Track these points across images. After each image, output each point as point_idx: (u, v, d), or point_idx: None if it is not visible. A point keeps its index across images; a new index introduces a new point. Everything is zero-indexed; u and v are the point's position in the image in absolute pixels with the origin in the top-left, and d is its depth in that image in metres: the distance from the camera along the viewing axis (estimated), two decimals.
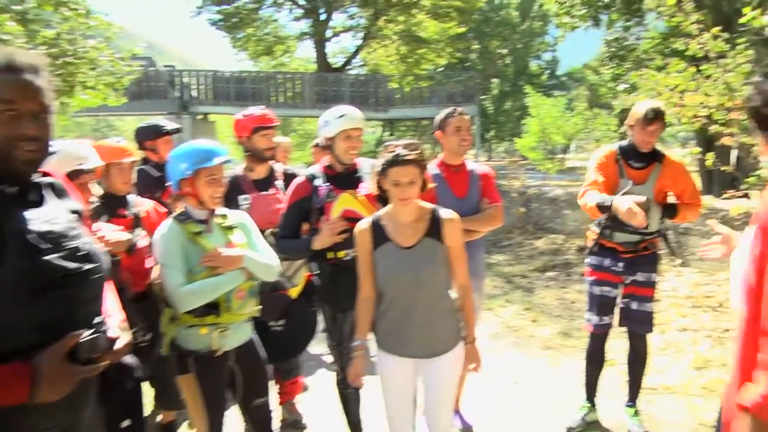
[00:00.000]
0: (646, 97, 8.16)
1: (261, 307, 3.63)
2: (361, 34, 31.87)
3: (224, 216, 3.41)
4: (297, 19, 30.87)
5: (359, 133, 4.00)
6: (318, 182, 3.97)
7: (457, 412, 4.70)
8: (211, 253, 3.15)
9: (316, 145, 6.21)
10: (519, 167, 17.32)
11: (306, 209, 3.95)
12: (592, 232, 4.49)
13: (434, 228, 3.20)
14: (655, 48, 19.19)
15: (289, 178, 4.48)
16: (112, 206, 3.96)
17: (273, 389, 4.75)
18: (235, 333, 3.28)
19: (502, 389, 5.31)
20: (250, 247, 3.38)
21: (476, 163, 4.60)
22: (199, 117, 26.27)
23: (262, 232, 4.10)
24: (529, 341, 6.75)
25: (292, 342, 4.31)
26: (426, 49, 31.52)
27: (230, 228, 3.39)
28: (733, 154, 11.83)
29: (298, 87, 26.49)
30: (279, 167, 4.65)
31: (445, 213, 3.24)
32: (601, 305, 4.50)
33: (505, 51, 50.18)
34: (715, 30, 7.58)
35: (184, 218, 3.25)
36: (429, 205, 3.28)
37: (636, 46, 22.02)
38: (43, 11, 9.29)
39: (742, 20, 6.70)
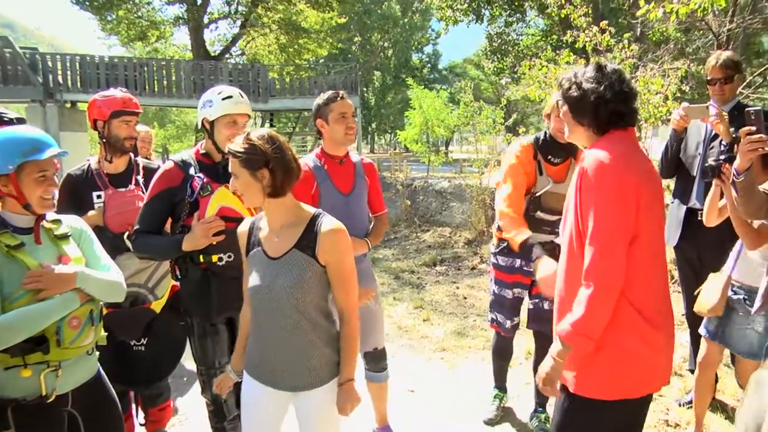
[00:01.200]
0: (537, 89, 8.14)
1: (118, 324, 3.06)
2: (239, 22, 30.94)
3: (56, 222, 2.74)
4: (171, 2, 29.53)
5: (245, 120, 3.45)
6: (191, 171, 3.37)
7: (386, 427, 4.29)
8: (33, 273, 2.48)
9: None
10: (402, 159, 17.18)
11: (173, 201, 3.34)
12: (498, 232, 4.20)
13: (307, 239, 2.61)
14: (535, 43, 19.66)
15: (149, 173, 3.88)
16: None
17: (137, 419, 4.18)
18: (73, 371, 2.63)
19: (399, 399, 4.87)
20: (88, 261, 2.76)
21: (358, 154, 4.10)
22: (67, 105, 24.45)
23: (119, 236, 3.55)
24: (423, 343, 6.40)
25: (156, 364, 3.72)
26: (306, 39, 30.94)
27: (63, 237, 2.72)
28: None
29: (174, 75, 25.25)
30: (139, 160, 4.03)
31: (328, 223, 2.63)
32: (512, 307, 4.29)
33: (386, 44, 50.42)
34: (603, 24, 7.64)
35: None
36: (311, 210, 2.71)
37: (518, 41, 22.45)
38: None
39: (638, 13, 6.68)
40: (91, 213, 3.61)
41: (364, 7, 44.85)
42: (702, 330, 3.87)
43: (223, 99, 3.39)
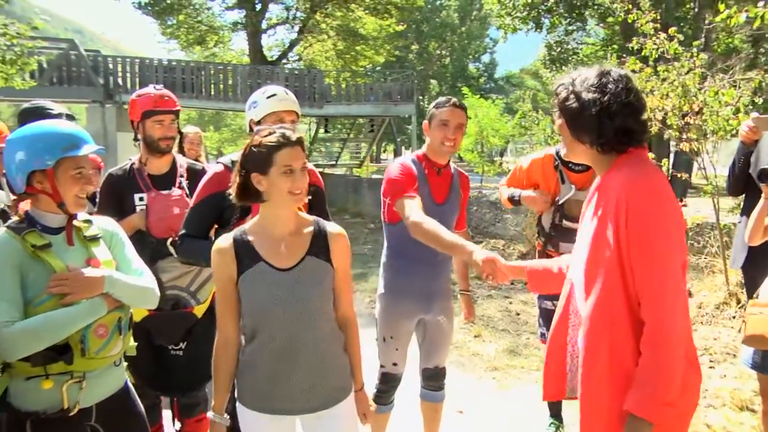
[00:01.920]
0: None
1: (158, 328, 2.87)
2: (297, 28, 31.09)
3: (87, 223, 2.55)
4: (230, 8, 29.85)
5: (293, 118, 3.25)
6: None
7: None
8: (59, 276, 2.28)
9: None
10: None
11: (222, 206, 3.11)
12: (539, 243, 4.15)
13: (319, 244, 2.47)
14: (595, 53, 19.21)
15: (193, 174, 3.70)
16: None
17: (174, 428, 3.98)
18: (97, 383, 2.43)
19: (447, 419, 4.57)
20: (119, 265, 2.56)
21: (455, 166, 3.79)
22: (125, 106, 24.86)
23: (162, 241, 3.34)
24: (473, 361, 6.09)
25: (195, 370, 3.51)
26: (364, 45, 30.97)
27: (93, 239, 2.53)
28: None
29: (231, 79, 25.44)
30: (183, 161, 3.83)
31: (332, 226, 2.55)
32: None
33: (443, 52, 50.22)
34: (672, 30, 7.24)
35: (24, 228, 2.35)
36: (307, 215, 2.57)
37: (577, 50, 21.98)
38: None
39: (717, 18, 6.29)
40: (133, 216, 3.43)
41: (422, 15, 44.77)
42: (747, 361, 3.44)
43: (268, 97, 3.23)
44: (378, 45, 31.41)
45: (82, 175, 2.39)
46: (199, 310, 3.54)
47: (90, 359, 2.34)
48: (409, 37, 44.06)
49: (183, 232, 3.18)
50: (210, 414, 2.50)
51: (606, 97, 2.05)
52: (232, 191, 2.43)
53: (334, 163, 29.57)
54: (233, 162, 3.20)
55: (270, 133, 2.35)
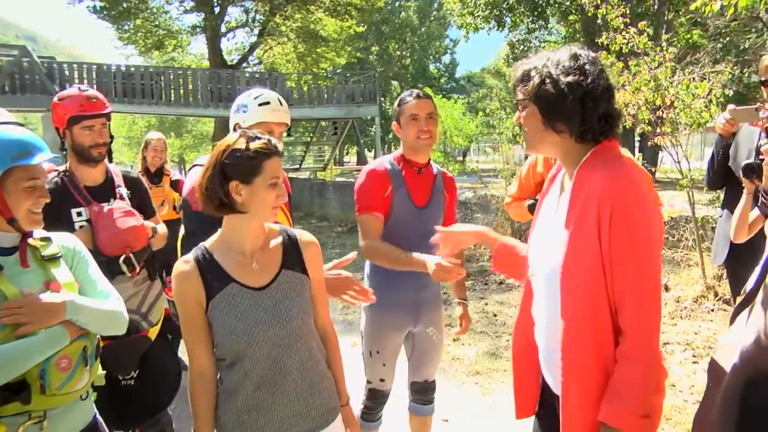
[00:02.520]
0: None
1: (114, 359, 2.70)
2: (257, 31, 30.76)
3: (45, 241, 2.28)
4: (188, 11, 29.39)
5: (282, 130, 3.05)
6: None
7: None
8: (12, 303, 2.02)
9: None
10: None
11: None
12: None
13: (292, 255, 2.27)
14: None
15: (132, 183, 3.46)
16: None
17: None
18: (62, 421, 2.16)
19: (432, 429, 4.43)
20: (83, 287, 2.30)
21: (439, 166, 3.60)
22: None
23: (114, 259, 3.10)
24: (454, 366, 5.91)
25: (152, 398, 3.29)
26: (325, 47, 30.70)
27: (53, 259, 2.25)
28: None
29: (191, 84, 25.03)
30: (116, 169, 3.50)
31: (301, 233, 2.36)
32: None
33: (404, 53, 50.26)
34: (642, 24, 7.24)
35: None
36: (274, 224, 2.33)
37: (540, 48, 22.09)
38: None
39: (692, 6, 6.27)
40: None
41: (382, 16, 44.69)
42: None
43: (260, 105, 2.97)
44: (339, 47, 31.20)
45: (35, 187, 2.12)
46: (152, 333, 3.32)
47: (51, 396, 2.07)
48: (370, 39, 43.92)
49: (189, 239, 2.91)
50: None
51: (588, 80, 1.87)
52: (201, 200, 2.14)
53: (297, 167, 29.34)
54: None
55: (255, 138, 2.11)
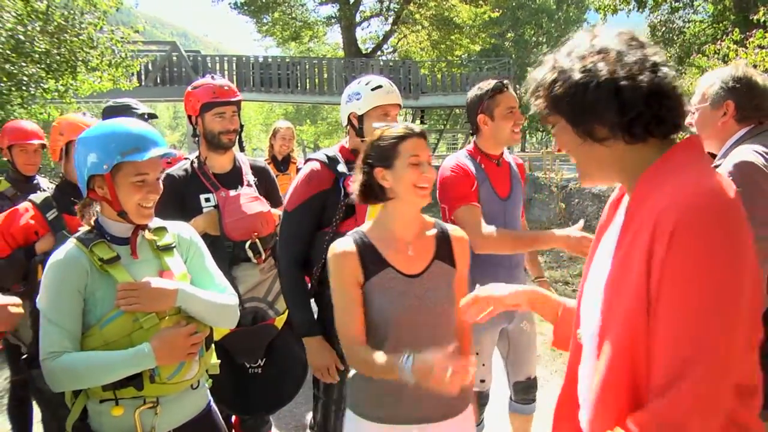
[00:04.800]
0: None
1: (240, 345, 2.69)
2: (391, 19, 30.96)
3: (160, 231, 2.35)
4: (324, 2, 30.04)
5: (396, 112, 3.06)
6: (340, 169, 2.98)
7: None
8: (126, 286, 2.09)
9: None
10: (555, 159, 16.38)
11: (324, 206, 2.96)
12: None
13: (444, 247, 2.32)
14: (704, 30, 18.14)
15: (259, 172, 3.51)
16: (68, 199, 2.97)
17: None
18: (175, 408, 2.25)
19: None
20: (197, 278, 2.35)
21: (510, 153, 3.51)
22: None
23: (240, 244, 3.15)
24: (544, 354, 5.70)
25: (278, 387, 3.33)
26: (459, 34, 30.44)
27: (167, 249, 2.32)
28: None
29: (326, 73, 25.62)
30: (244, 158, 3.57)
31: (453, 229, 2.41)
32: None
33: (540, 39, 49.14)
34: None
35: (93, 239, 2.17)
36: (428, 217, 2.40)
37: (683, 29, 20.81)
38: None
39: None
40: (198, 218, 3.17)
41: (517, 1, 43.88)
42: None
43: (373, 89, 3.00)
44: (473, 33, 30.86)
45: (145, 182, 2.16)
46: (279, 322, 3.34)
47: (161, 384, 2.16)
48: (505, 24, 43.23)
49: (288, 247, 3.00)
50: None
51: (613, 55, 1.39)
52: (353, 190, 2.26)
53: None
54: (329, 158, 3.02)
55: (388, 126, 2.20)
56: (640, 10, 21.28)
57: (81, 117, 3.22)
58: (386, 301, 2.19)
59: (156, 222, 2.35)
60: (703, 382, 1.21)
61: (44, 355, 2.02)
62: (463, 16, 30.04)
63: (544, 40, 49.32)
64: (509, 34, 46.84)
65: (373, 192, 2.21)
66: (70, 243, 2.18)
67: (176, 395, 2.24)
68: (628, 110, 1.36)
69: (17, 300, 2.15)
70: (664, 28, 22.41)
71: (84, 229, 2.25)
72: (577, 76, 1.39)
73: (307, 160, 3.22)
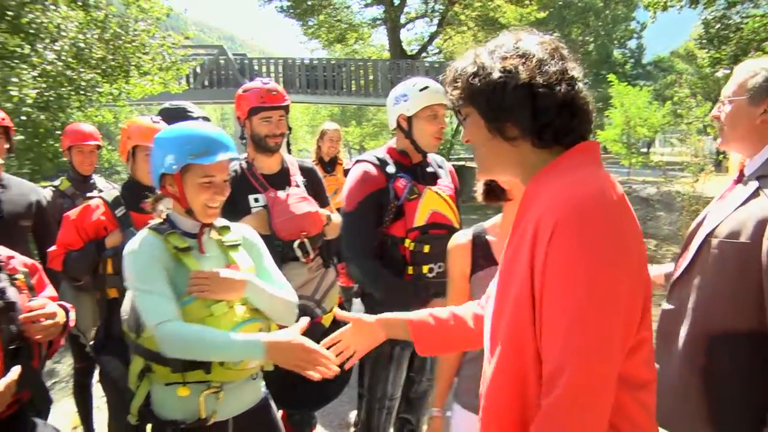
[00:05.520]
0: None
1: None
2: (436, 21, 30.90)
3: (225, 229, 2.48)
4: (369, 4, 30.13)
5: (444, 112, 3.09)
6: (389, 170, 3.04)
7: None
8: (198, 273, 2.22)
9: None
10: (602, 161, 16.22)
11: (380, 205, 3.02)
12: None
13: None
14: (763, 26, 17.61)
15: (307, 172, 3.58)
16: (135, 197, 3.15)
17: None
18: (235, 396, 2.36)
19: None
20: (259, 276, 2.45)
21: None
22: None
23: (289, 243, 3.24)
24: None
25: (326, 385, 3.41)
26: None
27: (233, 246, 2.45)
28: None
29: (371, 74, 25.75)
30: (291, 158, 3.65)
31: None
32: None
33: (587, 38, 48.55)
34: None
35: (166, 229, 2.31)
36: None
37: (741, 25, 20.25)
38: None
39: None
40: (247, 218, 3.25)
41: (563, 1, 43.44)
42: None
43: (420, 90, 3.05)
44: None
45: (212, 183, 2.27)
46: (326, 320, 3.40)
47: (228, 370, 2.26)
48: (551, 24, 42.85)
49: (358, 247, 3.06)
50: (434, 410, 2.48)
51: (534, 61, 1.44)
52: (481, 193, 2.30)
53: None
54: (379, 159, 3.08)
55: None
56: (693, 6, 20.78)
57: (148, 121, 3.36)
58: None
59: (220, 221, 2.47)
60: (580, 374, 1.26)
61: (154, 323, 2.10)
62: (509, 16, 29.83)
63: (592, 39, 48.72)
64: (555, 34, 46.28)
65: (495, 192, 2.26)
66: (145, 232, 2.32)
67: (238, 383, 2.35)
68: (541, 116, 1.42)
69: (51, 310, 2.21)
70: (719, 25, 21.85)
71: (154, 221, 2.38)
72: (496, 75, 1.43)
73: (356, 162, 3.29)
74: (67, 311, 2.32)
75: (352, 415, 4.52)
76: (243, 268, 2.40)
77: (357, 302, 3.28)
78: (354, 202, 3.06)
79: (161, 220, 2.37)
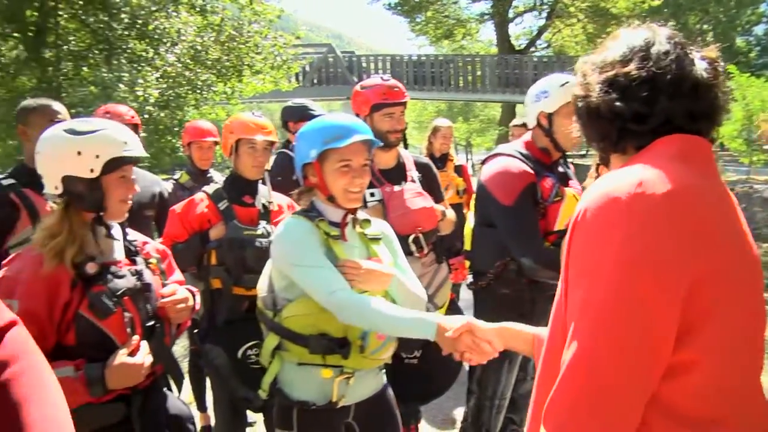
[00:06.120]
0: None
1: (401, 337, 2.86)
2: (545, 14, 30.34)
3: (367, 223, 2.55)
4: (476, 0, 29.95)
5: None
6: (536, 167, 3.06)
7: None
8: (351, 262, 2.31)
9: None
10: (717, 159, 15.49)
11: (534, 200, 3.03)
12: None
13: None
14: None
15: (422, 168, 3.60)
16: (237, 191, 3.32)
17: None
18: (361, 383, 2.43)
19: None
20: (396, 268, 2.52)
21: None
22: None
23: (404, 238, 3.25)
24: None
25: (433, 379, 3.42)
26: (616, 26, 29.08)
27: (375, 239, 2.52)
28: None
29: (479, 70, 25.59)
30: (406, 154, 3.67)
31: None
32: None
33: (705, 26, 46.33)
34: None
35: (315, 216, 2.40)
36: None
37: None
38: (214, 1, 9.54)
39: None
40: (363, 212, 3.33)
41: None
42: None
43: (561, 86, 3.03)
44: (632, 24, 29.65)
45: (349, 167, 2.33)
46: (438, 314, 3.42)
47: (364, 358, 2.33)
48: (666, 12, 41.21)
49: (519, 233, 3.05)
50: None
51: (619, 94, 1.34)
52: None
53: (584, 153, 28.62)
54: (522, 154, 3.09)
55: None
56: None
57: (250, 116, 3.44)
58: None
59: (361, 214, 2.54)
60: (588, 379, 1.17)
61: (328, 294, 2.20)
62: (621, 5, 28.90)
63: (710, 27, 46.49)
64: (671, 22, 44.46)
65: None
66: (294, 217, 2.43)
67: (366, 371, 2.43)
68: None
69: (183, 295, 2.42)
70: None
71: (301, 208, 2.49)
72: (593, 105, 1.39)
73: (494, 155, 3.30)
74: (193, 295, 2.50)
75: (456, 412, 4.53)
76: (385, 261, 2.47)
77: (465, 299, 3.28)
78: (512, 196, 3.04)
79: (306, 208, 2.47)
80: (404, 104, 3.45)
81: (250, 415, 4.21)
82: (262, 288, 2.50)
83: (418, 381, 3.33)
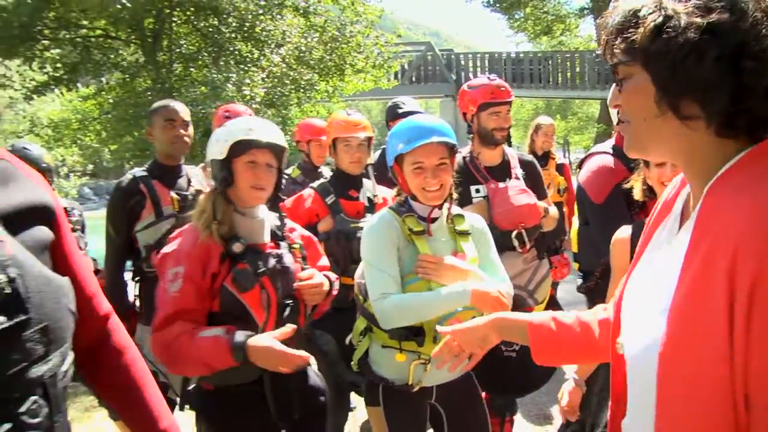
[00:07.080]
0: None
1: None
2: None
3: (459, 218, 2.66)
4: None
5: None
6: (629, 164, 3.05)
7: None
8: (428, 257, 2.44)
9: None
10: None
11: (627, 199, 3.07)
12: None
13: None
14: None
15: (526, 165, 3.66)
16: (342, 185, 3.54)
17: None
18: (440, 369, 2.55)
19: None
20: (482, 265, 2.61)
21: None
22: None
23: (506, 233, 3.37)
24: None
25: (530, 372, 3.46)
26: None
27: (463, 234, 2.63)
28: None
29: (578, 67, 25.07)
30: (511, 152, 3.74)
31: None
32: None
33: None
34: None
35: (405, 211, 2.55)
36: None
37: None
38: (317, 4, 9.82)
39: None
40: (469, 208, 3.38)
41: None
42: None
43: None
44: None
45: (422, 168, 2.45)
46: (537, 310, 3.48)
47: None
48: None
49: (606, 233, 2.96)
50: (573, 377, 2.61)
51: (748, 22, 1.00)
52: (635, 189, 2.52)
53: None
54: (616, 150, 3.14)
55: None
56: None
57: (344, 115, 3.61)
58: None
59: (455, 209, 2.68)
60: None
61: (375, 297, 2.40)
62: None
63: None
64: None
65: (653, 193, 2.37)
66: (385, 211, 2.61)
67: None
68: (741, 100, 1.03)
69: (318, 280, 2.58)
70: None
71: (395, 203, 2.66)
72: (692, 34, 1.02)
73: (591, 154, 3.37)
74: (331, 281, 2.68)
75: (552, 409, 4.54)
76: (469, 257, 2.56)
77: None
78: (602, 195, 3.12)
79: (400, 203, 2.63)
80: (510, 103, 3.54)
81: (352, 400, 4.36)
82: (357, 275, 2.70)
83: (515, 373, 3.40)
